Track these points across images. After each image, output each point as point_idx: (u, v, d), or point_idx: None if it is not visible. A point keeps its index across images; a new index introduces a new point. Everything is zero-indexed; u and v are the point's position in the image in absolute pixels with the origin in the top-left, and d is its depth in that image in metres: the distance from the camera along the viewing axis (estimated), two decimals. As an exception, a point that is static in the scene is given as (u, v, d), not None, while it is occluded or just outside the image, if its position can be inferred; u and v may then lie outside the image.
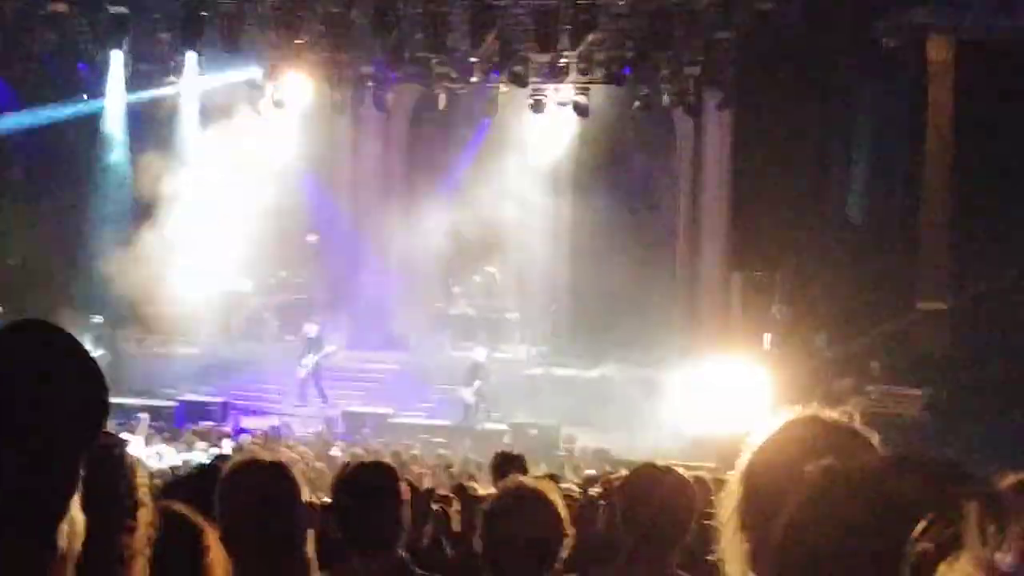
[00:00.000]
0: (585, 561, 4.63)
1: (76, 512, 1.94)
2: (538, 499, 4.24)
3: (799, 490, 1.92)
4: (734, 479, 2.65)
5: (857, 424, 2.67)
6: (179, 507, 3.58)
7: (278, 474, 4.01)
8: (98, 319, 32.07)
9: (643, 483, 4.95)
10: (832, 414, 2.69)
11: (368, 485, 4.70)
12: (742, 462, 2.67)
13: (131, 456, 2.51)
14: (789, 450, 2.52)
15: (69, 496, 1.91)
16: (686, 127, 33.44)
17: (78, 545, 1.96)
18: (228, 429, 27.24)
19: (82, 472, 1.93)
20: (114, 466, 2.27)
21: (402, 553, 4.76)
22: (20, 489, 1.81)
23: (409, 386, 31.73)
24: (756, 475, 2.58)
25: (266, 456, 4.16)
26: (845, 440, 2.58)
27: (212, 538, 3.56)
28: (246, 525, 3.88)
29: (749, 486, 2.57)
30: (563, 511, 4.28)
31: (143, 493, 2.46)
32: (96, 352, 30.63)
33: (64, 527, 1.92)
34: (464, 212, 34.81)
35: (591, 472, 18.05)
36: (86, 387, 1.97)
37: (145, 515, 2.45)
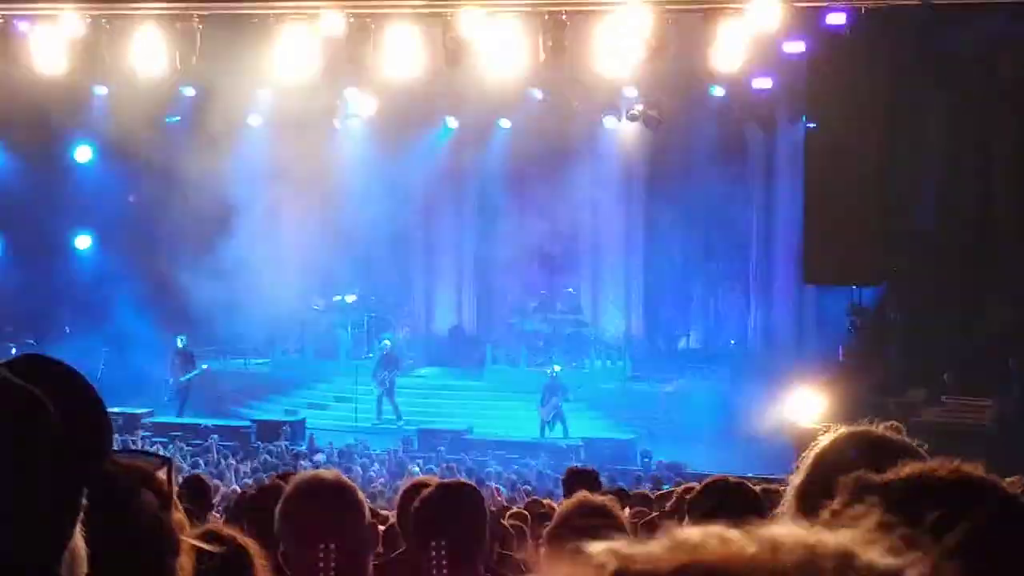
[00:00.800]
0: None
1: (78, 543, 1.95)
2: (603, 514, 4.29)
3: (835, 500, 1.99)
4: (788, 491, 2.70)
5: (901, 438, 2.70)
6: (226, 530, 3.62)
7: (340, 494, 4.04)
8: (182, 338, 32.25)
9: (714, 497, 4.98)
10: (881, 429, 2.72)
11: (452, 504, 4.76)
12: (796, 475, 2.71)
13: (156, 486, 2.46)
14: (837, 463, 2.56)
15: (62, 529, 1.90)
16: (758, 140, 33.41)
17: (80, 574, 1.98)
18: (303, 448, 27.38)
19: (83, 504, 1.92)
20: (123, 498, 2.25)
21: (483, 570, 4.81)
22: (10, 522, 1.80)
23: (485, 402, 31.77)
24: (805, 486, 2.62)
25: (328, 476, 4.18)
26: (889, 453, 2.61)
27: (258, 561, 3.58)
28: (307, 546, 3.93)
29: (799, 497, 2.62)
30: (627, 525, 4.32)
31: (168, 521, 2.43)
32: (188, 374, 31.01)
33: (65, 557, 1.91)
34: (539, 226, 34.89)
35: (667, 488, 17.99)
36: (78, 419, 1.92)
37: (168, 544, 2.41)
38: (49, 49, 25.91)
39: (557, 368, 30.65)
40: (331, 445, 27.58)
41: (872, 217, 24.46)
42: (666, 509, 11.23)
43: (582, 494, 4.65)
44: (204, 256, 32.80)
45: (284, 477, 7.85)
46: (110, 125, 32.96)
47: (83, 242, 35.17)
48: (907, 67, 25.42)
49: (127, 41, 26.13)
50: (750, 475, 20.77)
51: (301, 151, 34.78)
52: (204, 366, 31.92)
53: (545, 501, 14.06)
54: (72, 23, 25.34)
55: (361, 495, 4.14)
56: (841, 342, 28.90)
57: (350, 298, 32.78)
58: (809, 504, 2.57)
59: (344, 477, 4.17)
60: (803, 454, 2.78)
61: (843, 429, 2.76)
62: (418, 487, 6.78)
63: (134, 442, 25.81)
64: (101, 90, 32.53)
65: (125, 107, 31.06)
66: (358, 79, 30.62)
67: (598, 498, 4.42)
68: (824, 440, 2.74)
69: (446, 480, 5.48)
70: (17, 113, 30.76)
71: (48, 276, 33.09)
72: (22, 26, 25.82)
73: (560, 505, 4.48)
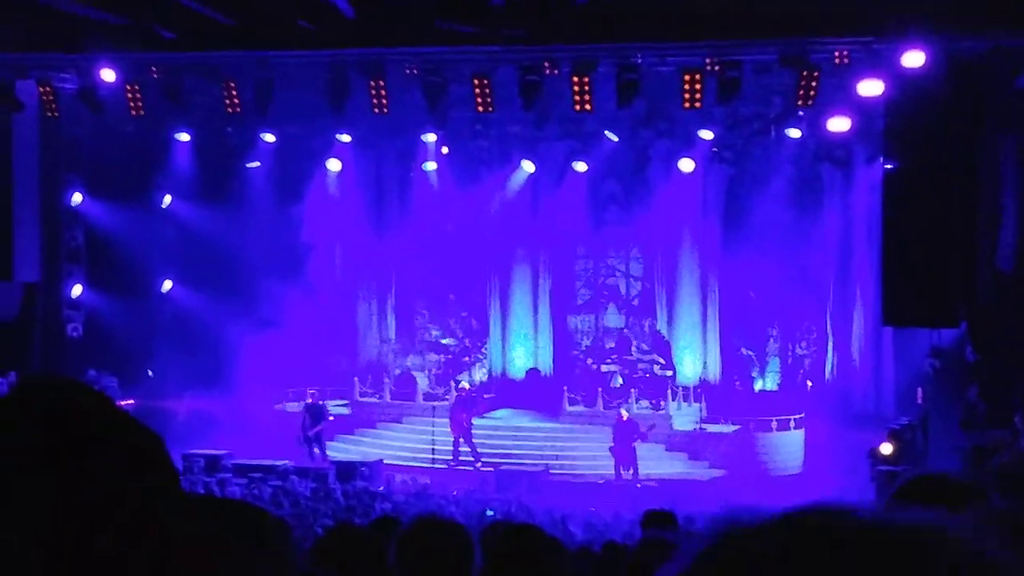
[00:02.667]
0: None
1: None
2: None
3: None
4: None
5: (970, 483, 2.75)
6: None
7: (457, 535, 4.10)
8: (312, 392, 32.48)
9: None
10: (955, 476, 2.77)
11: (518, 547, 4.82)
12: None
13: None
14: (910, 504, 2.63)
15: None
16: (834, 180, 33.33)
17: None
18: (380, 490, 27.46)
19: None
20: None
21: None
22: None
23: (562, 443, 31.78)
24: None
25: (443, 519, 4.25)
26: (960, 497, 2.67)
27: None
28: None
29: None
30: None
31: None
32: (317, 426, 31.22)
33: None
34: (615, 268, 34.99)
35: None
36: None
37: None
38: (132, 97, 26.44)
39: (624, 413, 30.54)
40: (408, 484, 27.61)
41: (951, 258, 24.29)
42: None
43: None
44: (281, 301, 33.19)
45: (382, 525, 7.87)
46: (192, 170, 33.70)
47: (167, 286, 35.62)
48: (986, 107, 25.28)
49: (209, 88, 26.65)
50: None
51: (380, 194, 35.18)
52: (331, 417, 32.05)
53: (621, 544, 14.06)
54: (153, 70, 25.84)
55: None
56: (919, 384, 28.70)
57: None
58: None
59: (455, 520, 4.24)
60: (884, 496, 2.84)
61: (919, 473, 2.80)
62: (495, 529, 6.87)
63: (219, 483, 26.11)
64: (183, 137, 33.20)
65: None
66: (435, 121, 30.89)
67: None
68: (902, 481, 2.78)
69: (518, 524, 5.54)
70: (106, 162, 31.51)
71: (133, 320, 33.48)
72: (106, 74, 26.24)
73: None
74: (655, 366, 34.32)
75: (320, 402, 31.78)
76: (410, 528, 4.13)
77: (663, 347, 35.04)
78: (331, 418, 31.93)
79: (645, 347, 34.97)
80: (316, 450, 30.99)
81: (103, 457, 1.63)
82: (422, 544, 4.05)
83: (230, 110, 26.53)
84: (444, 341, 36.37)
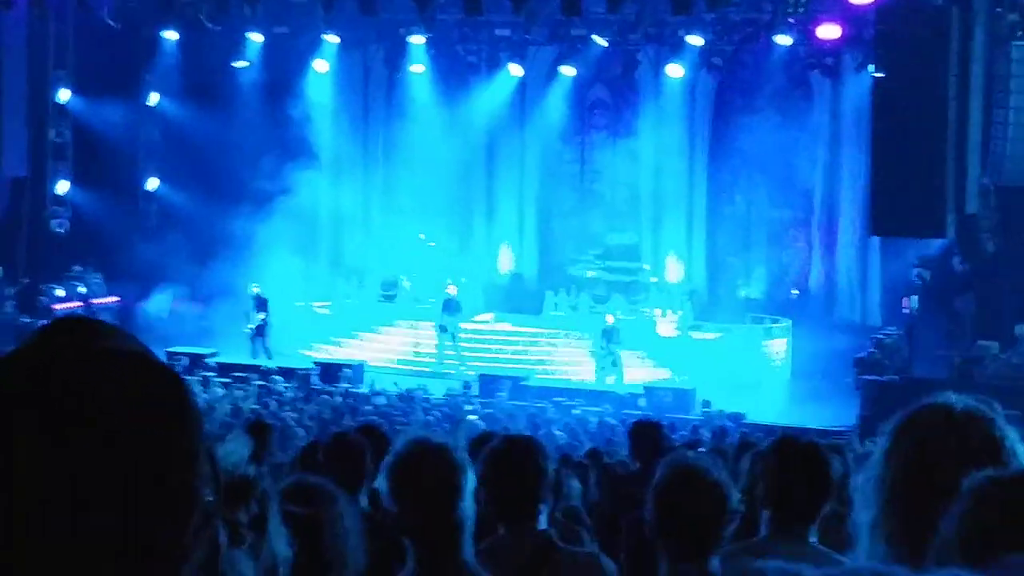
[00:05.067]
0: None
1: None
2: (705, 478, 4.32)
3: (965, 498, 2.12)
4: (875, 459, 2.70)
5: (985, 412, 2.69)
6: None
7: (450, 460, 4.08)
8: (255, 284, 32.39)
9: (784, 453, 5.02)
10: (963, 403, 2.71)
11: (514, 460, 4.82)
12: (883, 444, 2.71)
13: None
14: (934, 450, 2.59)
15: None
16: (823, 89, 33.19)
17: None
18: (364, 391, 27.46)
19: None
20: None
21: (545, 526, 4.89)
22: None
23: (544, 348, 31.83)
24: (903, 475, 2.62)
25: (437, 441, 4.21)
26: (974, 431, 2.63)
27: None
28: (423, 512, 4.00)
29: (897, 486, 2.62)
30: (730, 488, 4.35)
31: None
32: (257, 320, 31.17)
33: None
34: (601, 174, 34.91)
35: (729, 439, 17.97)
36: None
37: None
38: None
39: (609, 318, 30.50)
40: (393, 387, 27.62)
41: (940, 168, 24.23)
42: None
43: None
44: (273, 199, 33.11)
45: (367, 431, 7.87)
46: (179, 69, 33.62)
47: (153, 184, 35.50)
48: (978, 14, 25.10)
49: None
50: (811, 428, 20.82)
51: (367, 95, 35.03)
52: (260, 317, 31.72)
53: (606, 451, 14.12)
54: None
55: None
56: (905, 294, 28.75)
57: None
58: (912, 497, 2.58)
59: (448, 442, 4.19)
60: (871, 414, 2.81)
61: (928, 401, 2.74)
62: (483, 441, 6.87)
63: (202, 380, 26.12)
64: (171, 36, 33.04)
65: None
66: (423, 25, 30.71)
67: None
68: (909, 413, 2.73)
69: (511, 436, 5.54)
70: (93, 60, 31.33)
71: (119, 217, 33.42)
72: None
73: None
74: (640, 274, 34.30)
75: (262, 296, 31.74)
76: (400, 455, 4.08)
77: (648, 254, 35.01)
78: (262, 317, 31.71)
79: (629, 252, 34.93)
80: (259, 345, 31.10)
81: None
82: (415, 471, 4.02)
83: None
84: (429, 244, 36.28)
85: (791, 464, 4.92)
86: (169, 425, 1.59)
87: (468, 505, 4.03)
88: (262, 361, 29.70)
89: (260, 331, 31.29)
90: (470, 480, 4.05)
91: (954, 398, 2.72)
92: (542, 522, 4.85)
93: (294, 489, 3.77)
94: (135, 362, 1.61)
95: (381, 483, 4.10)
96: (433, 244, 24.50)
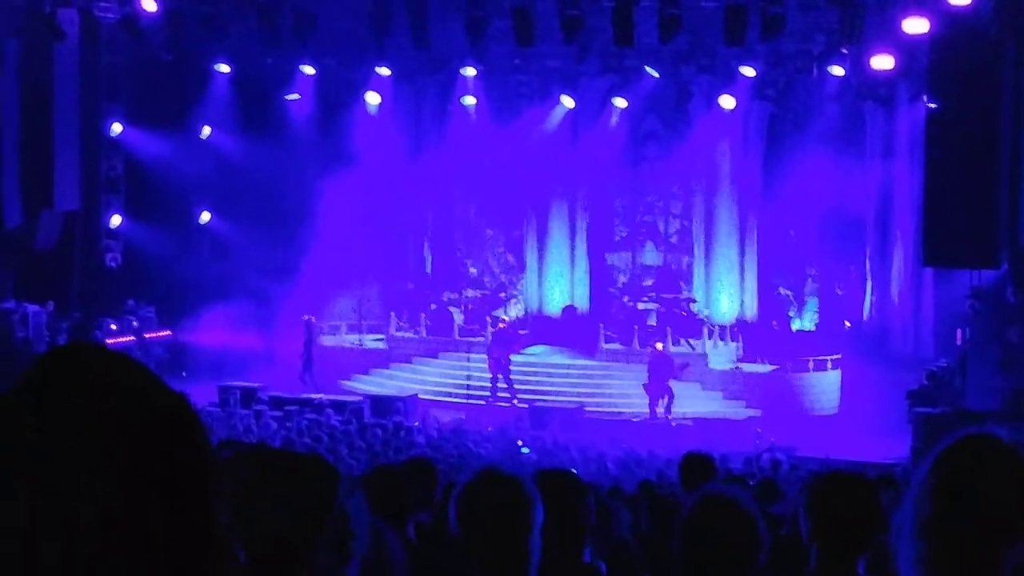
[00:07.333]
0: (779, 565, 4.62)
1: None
2: (736, 508, 4.26)
3: None
4: (915, 492, 2.64)
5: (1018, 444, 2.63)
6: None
7: (523, 492, 4.05)
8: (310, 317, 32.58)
9: (832, 485, 4.96)
10: (1005, 435, 2.65)
11: (553, 493, 4.77)
12: (923, 474, 2.65)
13: None
14: (971, 474, 2.53)
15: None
16: (877, 119, 33.03)
17: None
18: (416, 424, 27.45)
19: None
20: None
21: (590, 559, 4.84)
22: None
23: (596, 381, 31.76)
24: (937, 491, 2.56)
25: (508, 472, 4.18)
26: (1009, 462, 2.57)
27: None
28: (493, 542, 3.97)
29: (933, 523, 2.55)
30: (758, 519, 4.30)
31: None
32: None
33: None
34: (653, 206, 34.84)
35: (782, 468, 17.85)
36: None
37: None
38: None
39: (659, 346, 30.47)
40: (443, 421, 27.61)
41: (994, 199, 24.06)
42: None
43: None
44: (324, 231, 33.29)
45: (415, 464, 7.80)
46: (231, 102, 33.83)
47: (205, 217, 35.66)
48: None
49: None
50: (864, 460, 20.68)
51: (418, 128, 35.14)
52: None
53: (658, 483, 14.05)
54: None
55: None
56: (958, 325, 28.53)
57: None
58: (950, 534, 2.52)
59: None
60: (924, 446, 2.74)
61: (971, 434, 2.68)
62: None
63: (255, 415, 26.25)
64: (223, 68, 33.27)
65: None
66: (475, 55, 30.82)
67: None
68: (951, 443, 2.66)
69: (549, 469, 5.50)
70: (145, 92, 31.60)
71: (171, 250, 33.57)
72: (147, 3, 26.23)
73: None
74: (692, 305, 34.23)
75: (314, 325, 31.84)
76: (472, 484, 4.06)
77: (700, 286, 34.92)
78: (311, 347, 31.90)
79: (683, 285, 34.89)
80: (308, 376, 31.34)
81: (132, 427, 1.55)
82: (485, 501, 3.99)
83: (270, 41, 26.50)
84: (482, 277, 36.30)
85: (839, 496, 4.86)
86: (159, 461, 1.57)
87: (536, 538, 3.99)
88: (313, 394, 29.77)
89: (308, 362, 31.44)
90: (539, 513, 4.01)
91: (998, 429, 2.66)
92: (587, 555, 4.80)
93: None
94: (126, 397, 1.59)
95: (450, 511, 4.08)
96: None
